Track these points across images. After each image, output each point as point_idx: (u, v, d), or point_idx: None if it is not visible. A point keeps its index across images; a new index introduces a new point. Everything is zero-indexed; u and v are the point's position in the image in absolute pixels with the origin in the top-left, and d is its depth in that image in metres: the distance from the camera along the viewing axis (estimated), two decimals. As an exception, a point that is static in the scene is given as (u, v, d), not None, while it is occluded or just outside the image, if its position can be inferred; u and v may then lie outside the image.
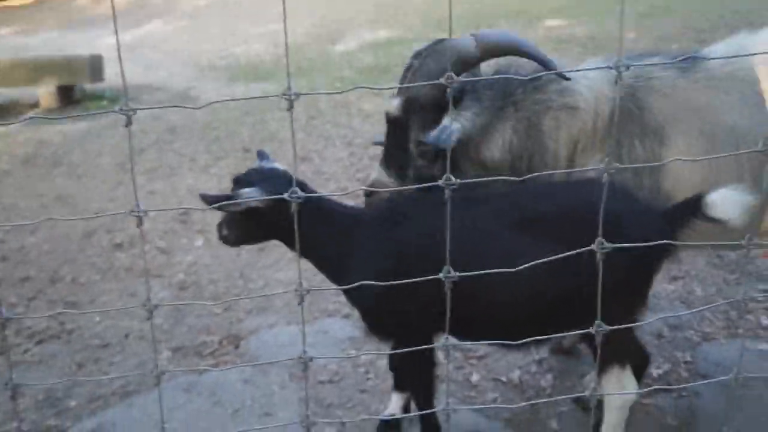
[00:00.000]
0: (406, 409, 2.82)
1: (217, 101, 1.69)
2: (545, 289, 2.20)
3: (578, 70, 2.45)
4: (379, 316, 2.40)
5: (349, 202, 4.26)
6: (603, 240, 1.67)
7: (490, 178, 1.98)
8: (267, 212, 2.28)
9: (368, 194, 2.63)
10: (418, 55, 2.59)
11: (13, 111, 8.94)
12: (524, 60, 2.49)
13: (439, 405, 2.64)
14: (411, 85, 2.51)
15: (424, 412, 2.49)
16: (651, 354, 2.81)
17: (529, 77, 2.36)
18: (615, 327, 1.82)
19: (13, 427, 3.06)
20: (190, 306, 4.07)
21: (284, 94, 1.47)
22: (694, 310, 3.52)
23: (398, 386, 2.81)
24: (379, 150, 2.74)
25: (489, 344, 2.99)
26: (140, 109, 1.49)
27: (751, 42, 2.51)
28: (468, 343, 3.03)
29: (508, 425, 2.84)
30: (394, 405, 2.82)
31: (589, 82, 2.51)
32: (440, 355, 2.70)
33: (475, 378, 3.17)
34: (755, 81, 2.44)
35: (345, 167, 6.17)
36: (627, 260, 1.96)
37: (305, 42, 11.76)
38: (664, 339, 3.38)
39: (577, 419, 2.85)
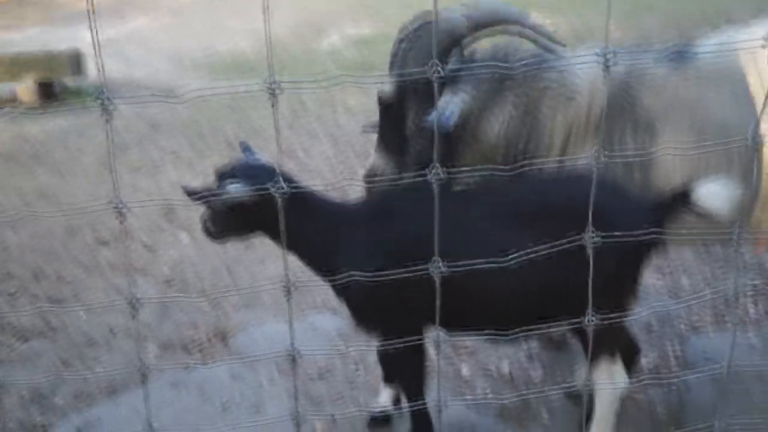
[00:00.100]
0: (396, 402, 2.80)
1: (200, 94, 1.66)
2: (534, 281, 2.19)
3: (566, 58, 2.44)
4: (368, 310, 2.39)
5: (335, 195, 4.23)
6: (593, 231, 1.67)
7: (478, 168, 1.98)
8: (251, 206, 2.25)
9: (368, 181, 2.58)
10: (405, 30, 2.54)
11: (-10, 107, 8.83)
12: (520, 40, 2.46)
13: (430, 398, 2.62)
14: (401, 73, 2.45)
15: (415, 406, 2.47)
16: (640, 346, 2.82)
17: (520, 64, 2.32)
18: (606, 319, 1.82)
19: (-3, 426, 3.02)
20: (177, 302, 4.03)
21: (268, 86, 1.45)
22: (688, 301, 3.53)
23: (388, 380, 2.80)
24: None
25: (479, 338, 2.98)
26: (120, 101, 1.46)
27: (740, 37, 2.51)
28: (458, 337, 3.02)
29: (498, 418, 2.84)
30: (384, 398, 2.80)
31: (585, 72, 2.50)
32: (430, 348, 2.68)
33: (465, 371, 3.16)
34: (745, 76, 2.45)
35: (330, 163, 6.14)
36: (615, 252, 1.96)
37: (288, 38, 11.70)
38: (653, 331, 3.39)
39: (568, 411, 2.84)
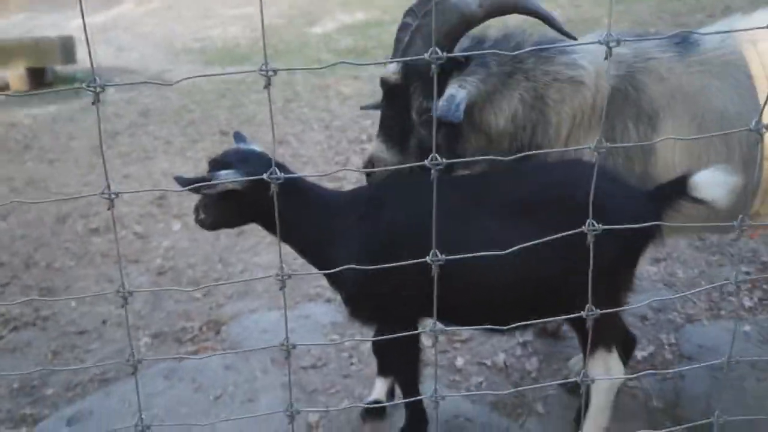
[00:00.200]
0: (390, 394, 2.78)
1: (191, 77, 1.62)
2: (530, 272, 2.17)
3: (568, 45, 2.39)
4: (363, 301, 2.36)
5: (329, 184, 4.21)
6: (594, 221, 1.65)
7: (477, 159, 1.94)
8: (245, 194, 2.21)
9: (369, 172, 2.50)
10: (411, 12, 2.44)
11: (-20, 94, 8.75)
12: (536, 22, 2.39)
13: (425, 390, 2.61)
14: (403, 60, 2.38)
15: (410, 399, 2.44)
16: (636, 336, 2.81)
17: (525, 51, 2.26)
18: (606, 311, 1.80)
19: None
20: (169, 291, 4.00)
21: (261, 71, 1.42)
22: (687, 293, 3.52)
23: (382, 371, 2.77)
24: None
25: (476, 329, 2.96)
26: (108, 85, 1.43)
27: (743, 25, 2.48)
28: (454, 328, 3.00)
29: (493, 409, 2.82)
30: (378, 390, 2.77)
31: (593, 57, 2.45)
32: (425, 340, 2.66)
33: (459, 362, 3.14)
34: (747, 66, 2.42)
35: (323, 150, 6.10)
36: (613, 242, 1.93)
37: (281, 24, 11.63)
38: (647, 321, 3.38)
39: (563, 402, 2.83)
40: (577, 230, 1.66)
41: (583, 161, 2.36)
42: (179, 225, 4.86)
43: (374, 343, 2.73)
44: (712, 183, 2.14)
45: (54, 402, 3.12)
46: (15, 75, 8.67)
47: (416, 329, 2.37)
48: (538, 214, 2.16)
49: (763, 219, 2.60)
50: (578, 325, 2.27)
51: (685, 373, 2.97)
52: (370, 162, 2.46)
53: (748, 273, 3.82)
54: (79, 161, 6.30)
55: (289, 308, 3.62)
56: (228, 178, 2.17)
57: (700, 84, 2.44)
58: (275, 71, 1.43)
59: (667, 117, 2.43)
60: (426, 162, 1.52)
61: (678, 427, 2.56)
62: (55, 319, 3.83)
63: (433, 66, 1.47)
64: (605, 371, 2.37)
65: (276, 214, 1.59)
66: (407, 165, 1.91)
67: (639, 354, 3.11)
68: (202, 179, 2.19)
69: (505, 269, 2.15)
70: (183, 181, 2.17)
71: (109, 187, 1.48)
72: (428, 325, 2.31)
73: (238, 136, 2.45)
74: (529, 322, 1.95)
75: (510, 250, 1.69)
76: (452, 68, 2.37)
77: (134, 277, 4.21)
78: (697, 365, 2.14)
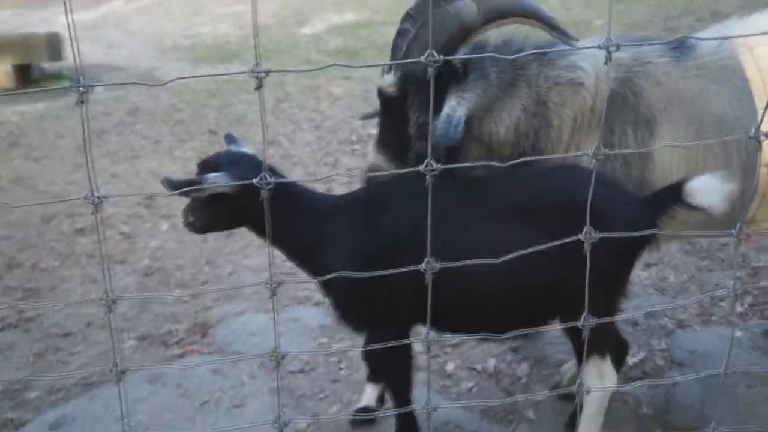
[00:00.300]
0: (380, 400, 2.74)
1: (180, 78, 1.58)
2: (528, 277, 2.14)
3: (568, 49, 2.36)
4: (354, 306, 2.32)
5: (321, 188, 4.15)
6: (591, 229, 1.62)
7: (475, 164, 1.91)
8: (235, 198, 2.17)
9: (367, 181, 2.42)
10: (409, 18, 2.36)
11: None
12: (534, 29, 2.33)
13: (416, 395, 2.56)
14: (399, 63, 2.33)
15: (401, 410, 2.39)
16: (628, 342, 2.79)
17: (522, 55, 2.20)
18: (603, 320, 1.77)
19: (-32, 421, 2.92)
20: (156, 293, 3.94)
21: (253, 72, 1.38)
22: (683, 302, 3.50)
23: (372, 377, 2.73)
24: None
25: (469, 337, 2.93)
26: (94, 85, 1.38)
27: (739, 29, 2.46)
28: (448, 337, 2.96)
29: (484, 416, 2.79)
30: (368, 396, 2.74)
31: (592, 59, 2.41)
32: (416, 346, 2.62)
33: (450, 367, 3.11)
34: (744, 70, 2.40)
35: (313, 151, 6.06)
36: (608, 248, 1.91)
37: (272, 24, 11.57)
38: (639, 327, 3.36)
39: (555, 408, 2.80)
40: (574, 238, 1.63)
41: (581, 166, 2.34)
42: (167, 225, 4.81)
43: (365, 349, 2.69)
44: (708, 189, 2.13)
45: (37, 406, 3.06)
46: (1, 72, 8.57)
47: (408, 335, 2.34)
48: (538, 219, 2.13)
49: (759, 224, 2.59)
50: (573, 332, 2.25)
51: (677, 381, 2.95)
52: (369, 172, 2.41)
53: (738, 278, 3.81)
54: (66, 159, 6.23)
55: (278, 311, 3.57)
56: (217, 181, 2.13)
57: (698, 88, 2.42)
58: (267, 73, 1.39)
59: (664, 121, 2.41)
60: (421, 168, 1.48)
61: (669, 435, 2.54)
62: (39, 321, 3.76)
63: (429, 69, 1.43)
64: (599, 378, 2.35)
65: (266, 219, 1.55)
66: (401, 171, 1.87)
67: (630, 359, 3.09)
68: (191, 182, 2.15)
69: (501, 275, 2.12)
70: (171, 184, 2.12)
71: (93, 191, 1.44)
72: (421, 332, 2.27)
73: (230, 138, 2.41)
74: (524, 331, 1.92)
75: (505, 258, 1.66)
76: (450, 80, 2.31)
77: (120, 278, 4.15)
78: (694, 375, 2.11)
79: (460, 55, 2.30)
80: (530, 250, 1.69)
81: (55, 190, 5.57)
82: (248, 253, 4.38)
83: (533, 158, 2.27)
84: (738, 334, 3.29)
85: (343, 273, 1.68)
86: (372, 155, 2.43)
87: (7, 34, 9.56)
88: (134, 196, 5.20)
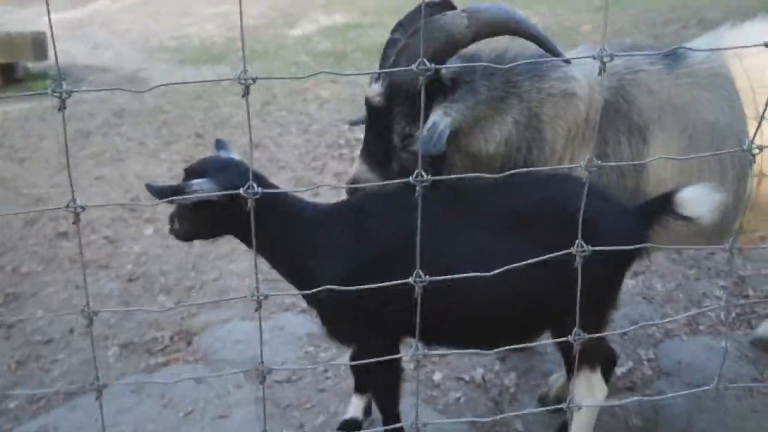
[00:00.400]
0: (367, 411, 2.71)
1: (167, 84, 1.54)
2: (519, 289, 2.11)
3: (559, 60, 2.33)
4: (342, 319, 2.28)
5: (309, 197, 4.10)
6: (582, 243, 1.60)
7: (466, 175, 1.88)
8: (220, 206, 2.13)
9: (351, 192, 2.40)
10: (400, 27, 2.36)
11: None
12: (527, 43, 2.31)
13: (403, 407, 2.53)
14: (385, 71, 2.30)
15: (390, 427, 2.36)
16: (616, 353, 2.77)
17: (512, 65, 2.17)
18: (591, 332, 1.75)
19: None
20: (139, 300, 3.88)
21: (240, 79, 1.35)
22: (678, 317, 3.49)
23: (359, 388, 2.69)
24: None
25: (459, 351, 2.89)
26: (74, 91, 1.34)
27: (731, 37, 2.46)
28: (438, 353, 2.93)
29: (472, 426, 2.76)
30: (354, 407, 2.70)
31: (585, 69, 2.39)
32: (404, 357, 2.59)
33: (437, 377, 3.08)
34: (733, 80, 2.40)
35: (300, 155, 6.01)
36: (600, 260, 1.89)
37: (259, 25, 11.51)
38: (626, 336, 3.35)
39: (544, 420, 2.78)
40: (565, 251, 1.61)
41: (573, 176, 2.31)
42: (151, 229, 4.74)
43: (352, 358, 2.66)
44: (698, 200, 2.12)
45: (17, 415, 3.00)
46: (-16, 71, 8.47)
47: (398, 347, 2.30)
48: (529, 230, 2.11)
49: (746, 234, 2.58)
50: (564, 344, 2.23)
51: (665, 391, 2.94)
52: (354, 182, 2.38)
53: (724, 287, 3.81)
54: (50, 161, 6.14)
55: (264, 318, 3.53)
56: (202, 188, 2.09)
57: (690, 96, 2.42)
58: (254, 80, 1.36)
59: (657, 129, 2.39)
60: (411, 179, 1.46)
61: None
62: (20, 327, 3.69)
63: (420, 78, 1.41)
64: (588, 390, 2.33)
65: (253, 230, 1.52)
66: (392, 182, 1.84)
67: (618, 370, 3.07)
68: (176, 188, 2.11)
69: (492, 287, 2.09)
70: (155, 191, 2.08)
71: (73, 200, 1.40)
72: (410, 342, 2.24)
73: (219, 144, 2.37)
74: (516, 346, 1.90)
75: (496, 271, 1.64)
76: (437, 93, 2.28)
77: (103, 283, 4.09)
78: (686, 391, 2.09)
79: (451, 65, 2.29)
80: (522, 263, 1.67)
81: (38, 192, 5.49)
82: (234, 257, 4.32)
83: (523, 170, 2.25)
84: (725, 344, 3.28)
85: (330, 287, 1.64)
86: (356, 165, 2.41)
87: (-9, 32, 9.44)
88: (118, 200, 5.14)
